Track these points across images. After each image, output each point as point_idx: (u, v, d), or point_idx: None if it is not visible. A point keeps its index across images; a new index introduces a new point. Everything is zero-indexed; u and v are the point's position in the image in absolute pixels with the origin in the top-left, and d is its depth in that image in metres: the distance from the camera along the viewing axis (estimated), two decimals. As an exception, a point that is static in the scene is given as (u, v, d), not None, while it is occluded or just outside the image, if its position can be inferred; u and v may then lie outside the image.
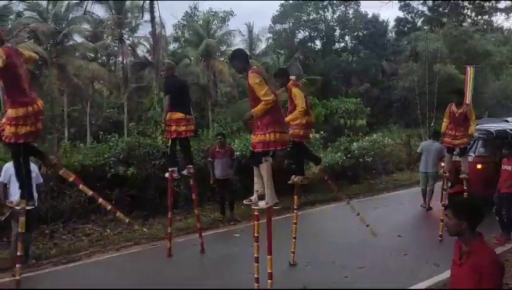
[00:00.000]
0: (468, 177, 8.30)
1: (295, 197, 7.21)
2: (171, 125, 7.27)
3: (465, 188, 8.27)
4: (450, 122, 8.21)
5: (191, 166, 7.63)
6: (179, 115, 7.24)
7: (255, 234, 5.46)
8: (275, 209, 10.69)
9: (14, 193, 7.10)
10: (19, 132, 5.17)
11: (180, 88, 7.53)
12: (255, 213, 5.44)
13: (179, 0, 48.91)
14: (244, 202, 5.63)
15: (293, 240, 6.97)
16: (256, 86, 5.07)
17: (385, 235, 8.41)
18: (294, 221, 7.01)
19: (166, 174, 7.60)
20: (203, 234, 8.02)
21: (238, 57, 5.51)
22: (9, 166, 7.34)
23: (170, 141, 7.57)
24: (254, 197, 5.43)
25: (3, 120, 5.25)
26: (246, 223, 9.85)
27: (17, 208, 5.78)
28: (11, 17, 29.11)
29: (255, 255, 5.45)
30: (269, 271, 5.28)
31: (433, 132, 11.18)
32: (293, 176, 7.05)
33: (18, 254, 5.59)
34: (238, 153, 10.98)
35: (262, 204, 5.32)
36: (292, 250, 6.96)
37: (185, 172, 7.64)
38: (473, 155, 10.35)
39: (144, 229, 9.37)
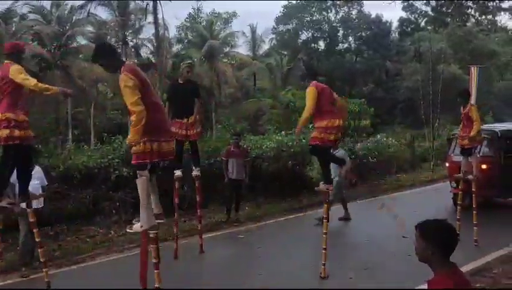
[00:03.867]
0: (472, 178, 8.01)
1: (324, 205, 6.59)
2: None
3: (473, 190, 8.05)
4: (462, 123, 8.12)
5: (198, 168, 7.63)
6: None
7: (154, 260, 4.61)
8: (282, 211, 10.81)
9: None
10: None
11: None
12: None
13: (182, 1, 48.86)
14: (127, 229, 4.84)
15: (323, 251, 6.30)
16: (126, 90, 4.17)
17: (390, 236, 8.38)
18: (325, 231, 6.35)
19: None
20: (207, 235, 8.01)
21: (104, 54, 4.50)
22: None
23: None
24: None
25: None
26: (250, 225, 9.86)
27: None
28: (15, 19, 29.27)
29: (156, 285, 4.64)
30: None
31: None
32: (321, 183, 6.53)
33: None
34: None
35: (136, 227, 4.46)
36: (323, 262, 6.31)
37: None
38: (478, 155, 10.31)
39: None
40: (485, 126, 10.38)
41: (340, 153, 9.72)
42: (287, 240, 8.70)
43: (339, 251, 7.59)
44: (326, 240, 6.30)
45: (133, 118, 4.15)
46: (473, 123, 7.72)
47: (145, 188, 4.35)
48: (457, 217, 7.86)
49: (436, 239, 2.48)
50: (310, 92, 6.13)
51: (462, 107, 7.98)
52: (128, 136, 4.25)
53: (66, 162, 10.04)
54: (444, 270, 2.49)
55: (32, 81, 5.12)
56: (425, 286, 2.63)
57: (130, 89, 4.17)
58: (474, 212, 7.89)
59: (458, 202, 8.22)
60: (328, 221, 6.39)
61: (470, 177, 8.04)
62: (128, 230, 4.73)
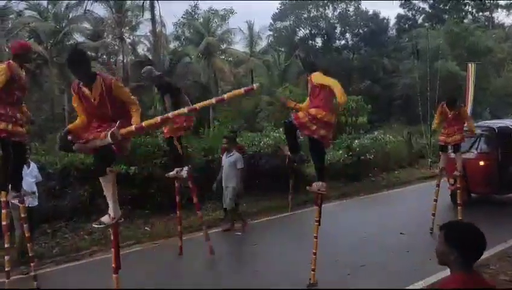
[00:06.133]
0: (461, 174, 8.29)
1: (315, 207, 6.19)
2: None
3: (458, 185, 8.34)
4: (442, 120, 8.33)
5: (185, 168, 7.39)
6: None
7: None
8: (279, 208, 10.80)
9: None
10: None
11: None
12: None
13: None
14: (93, 225, 4.91)
15: (313, 256, 5.94)
16: (123, 89, 4.51)
17: (387, 233, 8.41)
18: (315, 234, 6.00)
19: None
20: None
21: (83, 62, 4.41)
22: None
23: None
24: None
25: None
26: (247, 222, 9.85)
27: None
28: (12, 16, 29.14)
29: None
30: None
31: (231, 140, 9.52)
32: (314, 183, 6.11)
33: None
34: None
35: (105, 219, 4.60)
36: (312, 267, 5.94)
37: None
38: (476, 152, 10.34)
39: (146, 228, 9.37)
40: (480, 123, 10.45)
41: (235, 156, 9.15)
42: (284, 237, 8.70)
43: (337, 247, 7.60)
44: (316, 244, 5.95)
45: (136, 107, 4.58)
46: (461, 121, 8.23)
47: (114, 182, 4.63)
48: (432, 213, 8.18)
49: (462, 244, 2.30)
50: (322, 76, 6.00)
51: (447, 108, 8.19)
52: (136, 119, 4.53)
53: (63, 159, 10.01)
54: (462, 273, 2.33)
55: None
56: (425, 282, 2.61)
57: (124, 88, 4.61)
58: (459, 207, 8.04)
59: (434, 198, 8.46)
60: (319, 224, 6.04)
61: (456, 173, 8.29)
62: (95, 226, 4.81)
